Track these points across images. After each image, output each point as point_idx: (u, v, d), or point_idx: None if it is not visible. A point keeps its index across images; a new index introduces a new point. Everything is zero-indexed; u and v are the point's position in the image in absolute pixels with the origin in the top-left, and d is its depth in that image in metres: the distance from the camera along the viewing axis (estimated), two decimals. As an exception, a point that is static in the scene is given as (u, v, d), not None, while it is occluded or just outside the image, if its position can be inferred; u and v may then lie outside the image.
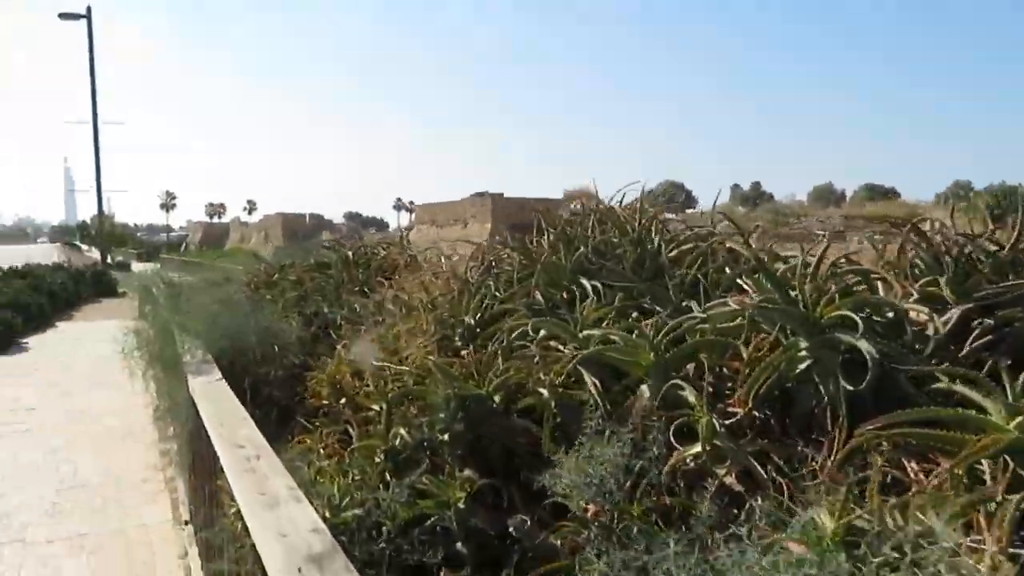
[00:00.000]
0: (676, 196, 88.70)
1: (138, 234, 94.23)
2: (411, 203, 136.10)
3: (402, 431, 2.00)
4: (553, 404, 1.96)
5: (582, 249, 2.72)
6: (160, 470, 5.94)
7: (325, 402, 2.81)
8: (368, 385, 2.48)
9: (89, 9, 25.22)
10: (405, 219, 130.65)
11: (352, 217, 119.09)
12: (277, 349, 3.76)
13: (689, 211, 72.50)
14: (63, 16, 24.82)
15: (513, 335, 2.34)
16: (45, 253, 74.08)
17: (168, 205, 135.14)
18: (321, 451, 2.33)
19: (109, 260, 32.01)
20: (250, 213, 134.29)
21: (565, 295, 2.67)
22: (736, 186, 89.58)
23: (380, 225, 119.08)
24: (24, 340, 13.09)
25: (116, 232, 58.20)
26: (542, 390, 2.00)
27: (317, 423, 2.65)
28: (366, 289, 4.02)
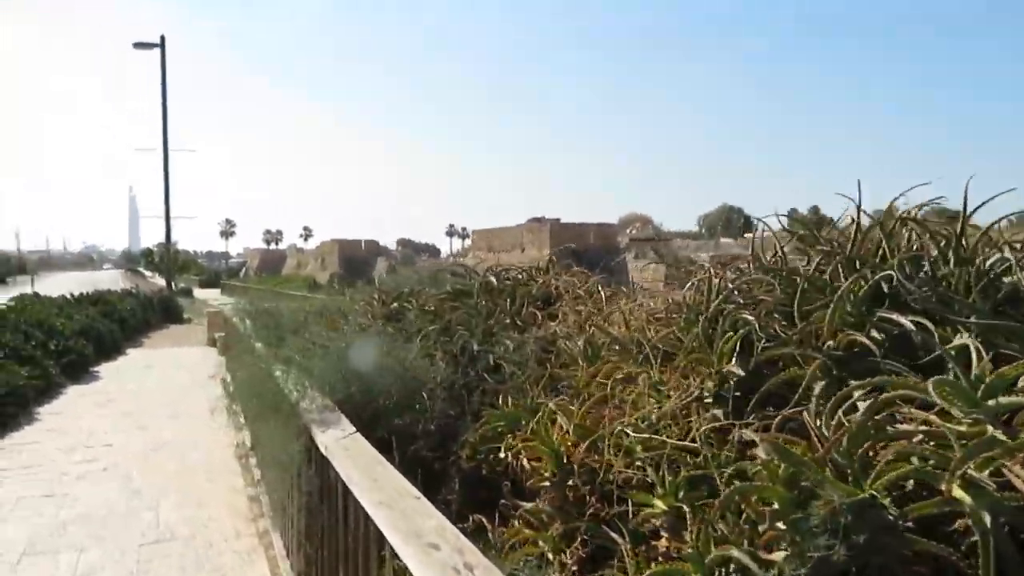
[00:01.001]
0: (734, 220, 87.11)
1: (199, 261, 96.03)
2: (463, 229, 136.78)
3: (735, 553, 1.28)
4: (987, 519, 1.23)
5: (885, 271, 1.98)
6: (251, 520, 5.33)
7: (539, 479, 2.11)
8: (612, 456, 1.78)
9: (163, 38, 25.57)
10: (457, 245, 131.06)
11: (405, 243, 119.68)
12: (422, 395, 3.09)
13: (747, 235, 70.89)
14: (138, 46, 25.18)
15: (841, 402, 1.61)
16: (111, 279, 75.95)
17: (227, 232, 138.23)
18: (559, 558, 1.64)
19: (173, 286, 32.19)
20: (306, 240, 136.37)
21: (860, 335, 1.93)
22: (793, 210, 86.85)
23: (432, 251, 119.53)
24: (96, 368, 12.80)
25: (180, 259, 59.13)
26: (961, 494, 1.26)
27: (540, 516, 1.95)
28: (518, 322, 3.34)
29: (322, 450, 2.94)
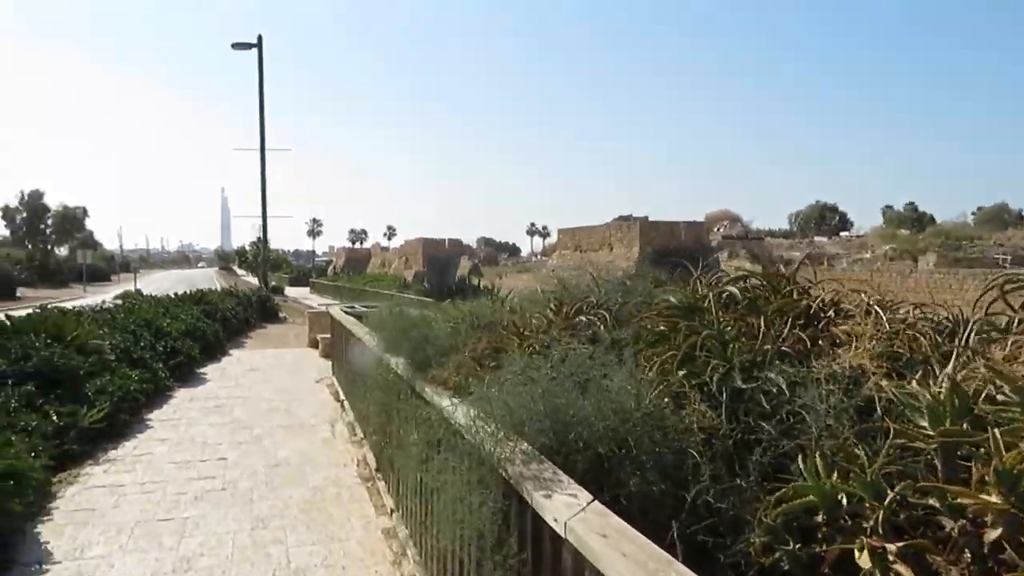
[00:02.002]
0: (828, 218, 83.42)
1: (288, 259, 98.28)
2: (544, 228, 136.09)
3: None
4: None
5: None
6: (394, 564, 4.64)
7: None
8: None
9: (260, 38, 25.68)
10: (539, 244, 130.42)
11: (485, 242, 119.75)
12: (663, 446, 2.29)
13: (843, 234, 67.60)
14: (236, 46, 25.36)
15: None
16: (206, 277, 78.71)
17: (315, 232, 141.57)
18: None
19: (268, 285, 32.51)
20: (389, 238, 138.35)
21: None
22: (888, 207, 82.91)
23: (512, 250, 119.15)
24: (203, 370, 12.56)
25: (272, 257, 60.23)
26: None
27: None
28: (783, 348, 2.50)
29: (552, 525, 2.17)
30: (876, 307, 2.60)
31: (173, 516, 5.51)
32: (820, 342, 2.58)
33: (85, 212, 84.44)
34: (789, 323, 2.63)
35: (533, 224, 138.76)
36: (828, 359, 2.38)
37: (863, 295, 2.78)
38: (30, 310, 11.79)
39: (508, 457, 2.60)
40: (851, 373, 2.28)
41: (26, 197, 79.61)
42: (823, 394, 2.20)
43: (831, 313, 2.76)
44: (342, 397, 9.55)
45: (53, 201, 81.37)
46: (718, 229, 61.24)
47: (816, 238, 67.08)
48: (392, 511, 5.41)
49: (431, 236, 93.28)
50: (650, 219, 53.23)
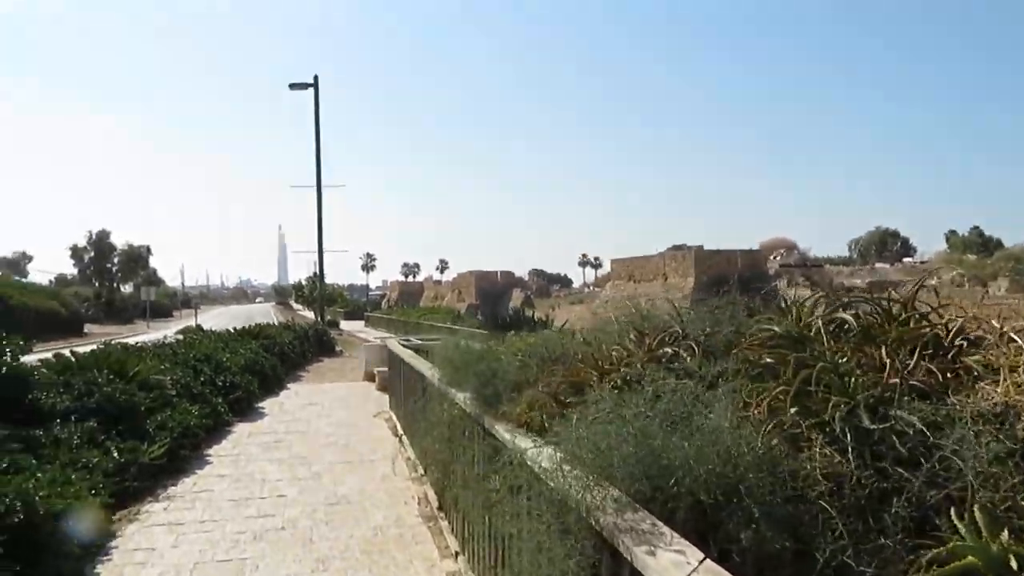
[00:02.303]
0: (889, 244, 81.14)
1: (344, 293, 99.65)
2: (596, 259, 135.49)
3: None
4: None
5: None
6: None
7: None
8: None
9: (316, 78, 26.22)
10: (591, 275, 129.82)
11: (536, 273, 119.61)
12: (775, 494, 2.00)
13: (906, 260, 65.51)
14: (293, 87, 25.95)
15: None
16: (263, 311, 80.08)
17: (368, 266, 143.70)
18: None
19: (324, 319, 32.80)
20: (442, 272, 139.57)
21: None
22: (952, 232, 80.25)
23: (564, 282, 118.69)
24: (261, 404, 12.55)
25: (328, 292, 61.00)
26: None
27: None
28: (912, 382, 2.20)
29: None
30: (1015, 334, 2.28)
31: (232, 557, 5.34)
32: (952, 375, 2.27)
33: (149, 250, 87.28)
34: (915, 354, 2.32)
35: (584, 255, 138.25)
36: (969, 394, 2.07)
37: (993, 322, 2.46)
38: (95, 346, 11.99)
39: (598, 505, 2.34)
40: (1000, 410, 1.97)
41: (94, 237, 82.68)
42: (973, 435, 1.90)
43: (960, 342, 2.44)
44: (400, 431, 9.37)
45: (119, 240, 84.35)
46: (775, 257, 59.99)
47: (877, 265, 65.15)
48: (457, 554, 5.15)
49: (482, 269, 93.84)
50: (704, 248, 52.52)
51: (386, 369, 13.94)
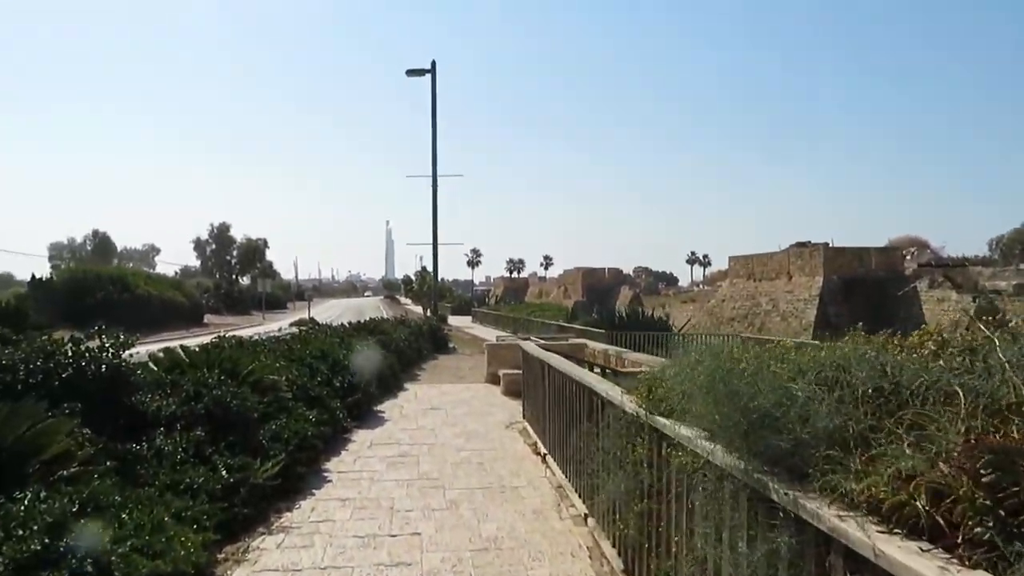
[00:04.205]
0: (1037, 244, 74.14)
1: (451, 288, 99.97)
2: (705, 256, 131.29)
3: None
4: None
5: None
6: None
7: None
8: None
9: (433, 64, 25.30)
10: (698, 273, 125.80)
11: (641, 271, 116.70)
12: None
13: (1058, 260, 59.42)
14: (410, 73, 25.09)
15: None
16: (372, 305, 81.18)
17: (474, 262, 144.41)
18: None
19: (436, 314, 31.99)
20: (546, 268, 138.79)
21: None
22: None
23: (670, 280, 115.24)
24: (379, 408, 11.47)
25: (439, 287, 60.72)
26: None
27: None
28: None
29: None
30: None
31: (363, 629, 4.06)
32: None
33: (266, 244, 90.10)
34: None
35: (693, 252, 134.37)
36: None
37: None
38: (213, 337, 11.21)
39: None
40: None
41: (215, 230, 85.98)
42: None
43: None
44: (543, 451, 7.97)
45: (238, 234, 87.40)
46: (909, 256, 55.56)
47: (1022, 265, 59.38)
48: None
49: (587, 266, 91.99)
50: (832, 245, 48.98)
51: (514, 371, 12.63)
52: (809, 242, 56.53)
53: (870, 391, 2.55)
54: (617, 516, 4.57)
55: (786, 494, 2.39)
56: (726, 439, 2.70)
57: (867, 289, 43.52)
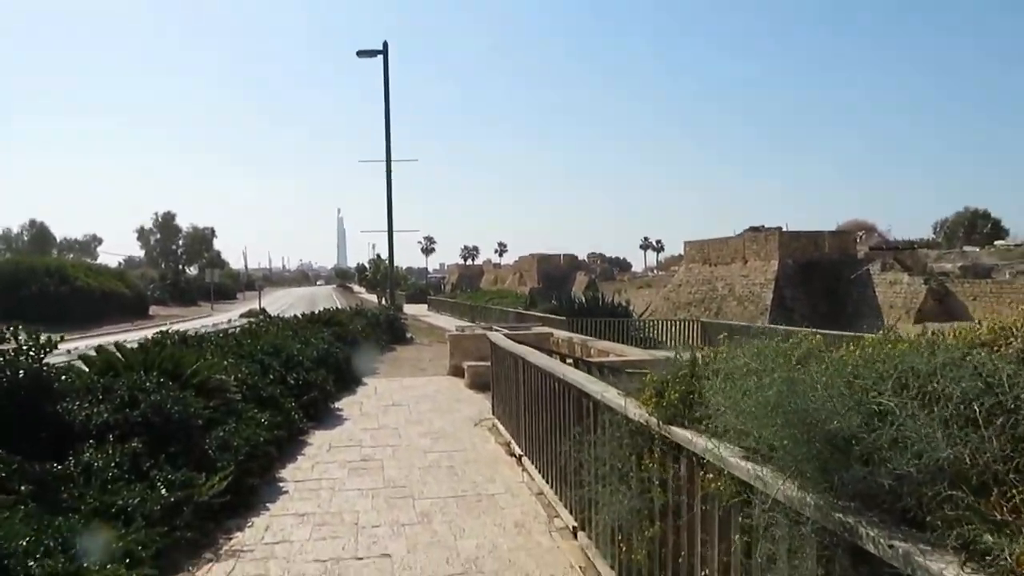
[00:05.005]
0: (979, 226, 76.07)
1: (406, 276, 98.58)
2: (658, 242, 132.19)
3: None
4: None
5: None
6: None
7: None
8: None
9: (385, 45, 24.36)
10: (652, 258, 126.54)
11: (595, 257, 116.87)
12: None
13: (998, 243, 60.95)
14: (361, 54, 24.11)
15: None
16: (325, 295, 79.52)
17: (428, 249, 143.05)
18: None
19: (390, 303, 31.11)
20: (500, 255, 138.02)
21: None
22: None
23: (623, 265, 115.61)
24: (338, 406, 10.76)
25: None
26: None
27: None
28: None
29: None
30: None
31: None
32: None
33: (213, 232, 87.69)
34: None
35: (647, 238, 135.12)
36: None
37: None
38: (156, 331, 10.37)
39: None
40: None
41: (160, 219, 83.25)
42: None
43: None
44: (518, 451, 7.40)
45: (184, 223, 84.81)
46: (857, 240, 56.36)
47: (966, 248, 60.72)
48: None
49: (542, 252, 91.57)
50: (785, 229, 49.32)
51: (480, 363, 12.05)
52: (763, 226, 56.98)
53: (984, 409, 2.01)
54: (619, 537, 4.01)
55: (890, 545, 1.84)
56: (792, 466, 2.14)
57: (821, 272, 43.92)
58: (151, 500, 5.04)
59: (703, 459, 2.91)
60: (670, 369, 3.72)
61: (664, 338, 29.28)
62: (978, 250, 56.62)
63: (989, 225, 75.45)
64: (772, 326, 27.26)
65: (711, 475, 2.81)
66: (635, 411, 3.74)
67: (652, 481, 3.54)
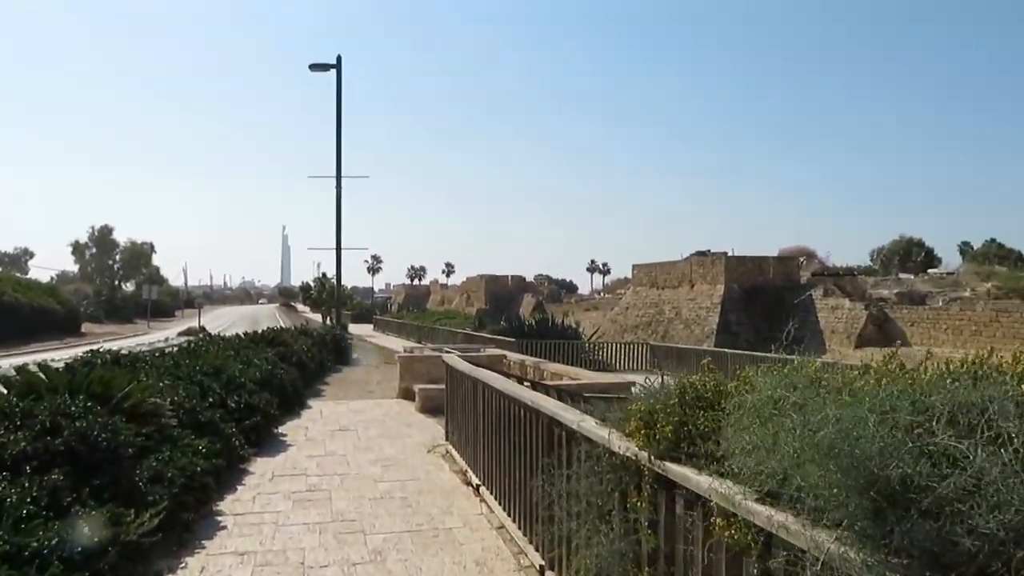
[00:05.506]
0: (914, 254, 78.62)
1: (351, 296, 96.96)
2: (605, 265, 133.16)
3: None
4: None
5: None
6: None
7: None
8: None
9: (339, 59, 23.88)
10: (598, 281, 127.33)
11: (543, 280, 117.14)
12: None
13: (932, 271, 63.01)
14: (314, 67, 23.56)
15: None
16: (268, 313, 77.68)
17: (374, 268, 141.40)
18: None
19: (336, 322, 30.34)
20: (448, 275, 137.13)
21: None
22: (966, 243, 77.89)
23: (570, 288, 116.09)
24: (281, 431, 10.17)
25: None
26: None
27: None
28: None
29: None
30: None
31: None
32: None
33: (152, 248, 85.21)
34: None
35: (593, 261, 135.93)
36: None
37: None
38: (87, 349, 9.70)
39: None
40: None
41: (96, 233, 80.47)
42: None
43: None
44: (475, 481, 7.00)
45: (121, 237, 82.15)
46: (800, 265, 57.56)
47: (901, 275, 62.60)
48: None
49: (489, 273, 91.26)
50: (731, 254, 50.02)
51: (431, 387, 11.62)
52: (709, 251, 57.78)
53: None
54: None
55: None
56: (844, 519, 1.82)
57: (766, 297, 44.58)
58: (71, 541, 4.49)
59: (708, 500, 2.59)
60: (657, 398, 3.42)
61: (613, 361, 29.28)
62: (912, 277, 58.44)
63: (923, 253, 78.00)
64: (717, 349, 27.42)
65: (720, 520, 2.48)
66: (620, 443, 3.41)
67: (640, 522, 3.21)
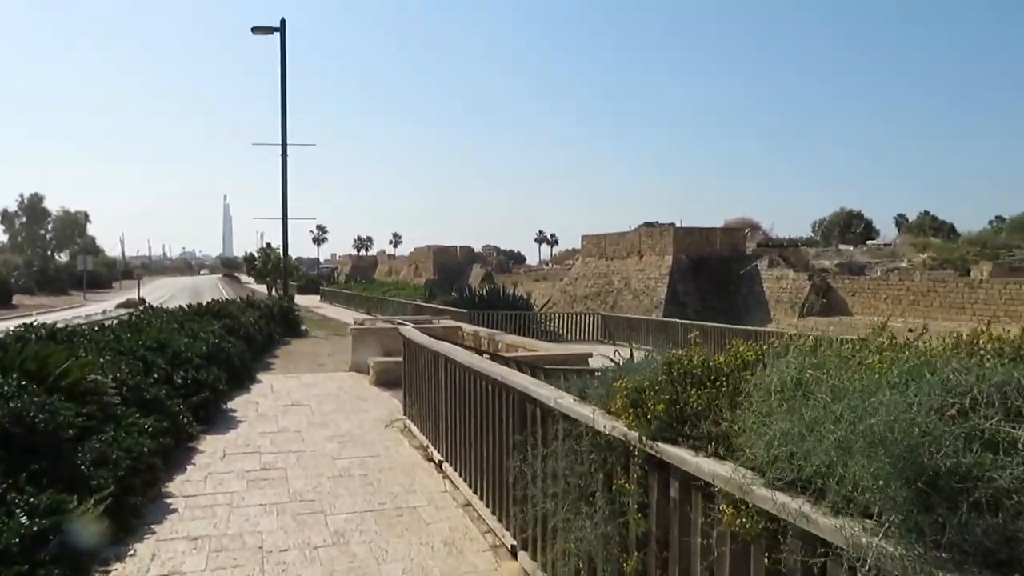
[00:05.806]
0: (854, 226, 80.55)
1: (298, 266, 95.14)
2: (552, 236, 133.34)
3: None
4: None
5: None
6: None
7: None
8: None
9: (283, 22, 23.00)
10: (546, 252, 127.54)
11: (491, 250, 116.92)
12: None
13: (870, 242, 64.69)
14: (256, 30, 22.65)
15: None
16: (211, 284, 75.71)
17: (320, 238, 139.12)
18: None
19: (281, 293, 29.62)
20: (395, 246, 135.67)
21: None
22: (902, 216, 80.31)
23: (518, 258, 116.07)
24: (231, 407, 9.81)
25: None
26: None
27: None
28: None
29: None
30: None
31: None
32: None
33: (87, 217, 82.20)
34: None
35: (541, 232, 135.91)
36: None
37: None
38: (18, 323, 9.17)
39: None
40: None
41: (26, 201, 77.13)
42: None
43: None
44: (437, 457, 6.81)
45: (54, 206, 78.92)
46: (745, 237, 58.46)
47: (841, 246, 64.22)
48: None
49: (436, 243, 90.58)
50: (679, 226, 50.47)
51: (387, 359, 11.37)
52: (657, 222, 58.28)
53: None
54: (582, 565, 3.51)
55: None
56: (890, 512, 1.67)
57: (713, 268, 45.18)
58: (8, 531, 4.17)
59: (711, 485, 2.43)
60: (644, 375, 3.26)
61: (564, 331, 29.35)
62: (852, 248, 59.93)
63: (862, 225, 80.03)
64: (668, 319, 27.70)
65: (728, 507, 2.32)
66: (605, 423, 3.25)
67: (629, 505, 3.06)
